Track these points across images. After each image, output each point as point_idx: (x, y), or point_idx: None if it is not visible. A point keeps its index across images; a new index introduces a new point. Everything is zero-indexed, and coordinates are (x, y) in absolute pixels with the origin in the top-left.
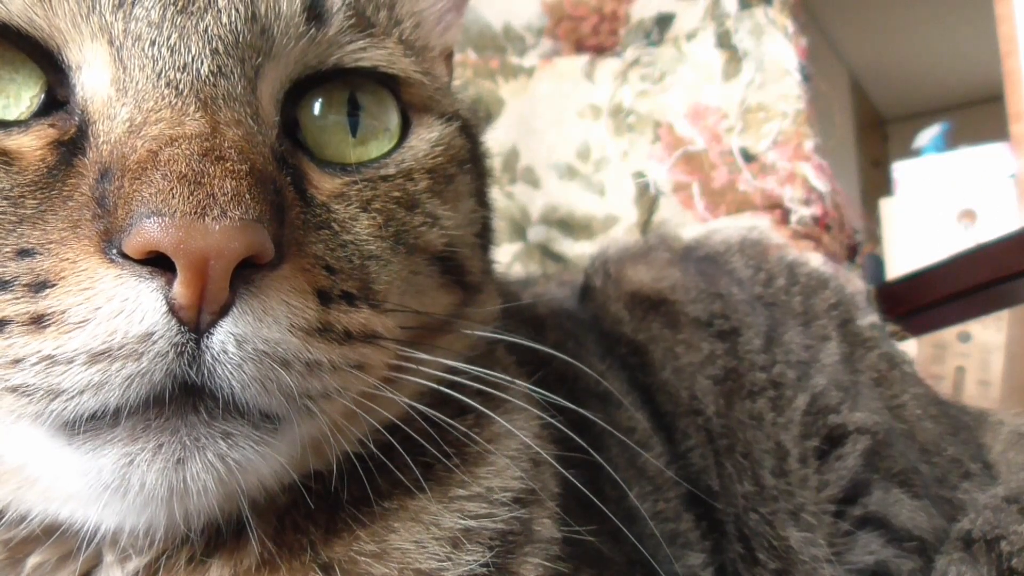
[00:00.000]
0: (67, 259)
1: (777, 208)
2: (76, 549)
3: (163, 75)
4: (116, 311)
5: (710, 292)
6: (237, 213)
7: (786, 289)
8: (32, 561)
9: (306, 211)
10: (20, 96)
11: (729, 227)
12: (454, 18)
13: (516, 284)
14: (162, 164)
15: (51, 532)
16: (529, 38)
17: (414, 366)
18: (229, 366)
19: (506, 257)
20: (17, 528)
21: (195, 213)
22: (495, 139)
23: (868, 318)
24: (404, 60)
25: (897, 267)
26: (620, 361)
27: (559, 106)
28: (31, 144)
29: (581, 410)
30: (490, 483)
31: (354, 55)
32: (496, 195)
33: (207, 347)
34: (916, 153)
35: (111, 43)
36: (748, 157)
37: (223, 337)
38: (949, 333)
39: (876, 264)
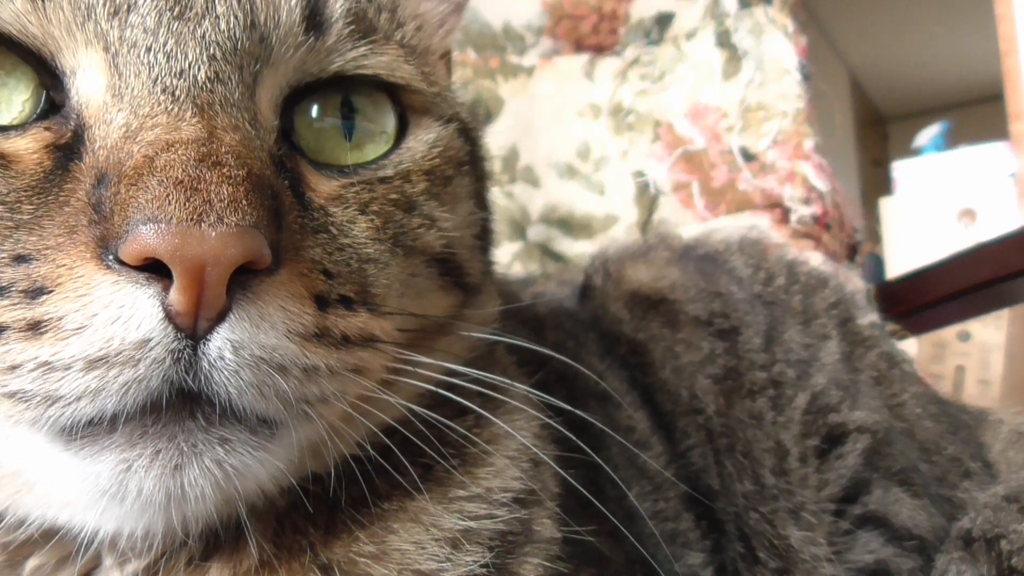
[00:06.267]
0: (64, 265)
1: (777, 207)
2: (75, 552)
3: (159, 81)
4: (113, 318)
5: (710, 291)
6: (234, 219)
7: (786, 288)
8: (31, 564)
9: (304, 215)
10: (12, 101)
11: (729, 226)
12: (455, 21)
13: (516, 284)
14: (158, 170)
15: (50, 536)
16: (529, 37)
17: (412, 369)
18: (226, 372)
19: (506, 257)
20: (16, 532)
21: (191, 219)
22: (495, 139)
23: (868, 317)
24: (405, 66)
25: (897, 266)
26: (620, 360)
27: (559, 105)
28: (28, 147)
29: (579, 412)
30: (490, 484)
31: (355, 62)
32: (496, 195)
33: (204, 353)
34: (916, 152)
35: (106, 49)
36: (748, 156)
37: (220, 343)
38: (949, 332)
39: (876, 263)
